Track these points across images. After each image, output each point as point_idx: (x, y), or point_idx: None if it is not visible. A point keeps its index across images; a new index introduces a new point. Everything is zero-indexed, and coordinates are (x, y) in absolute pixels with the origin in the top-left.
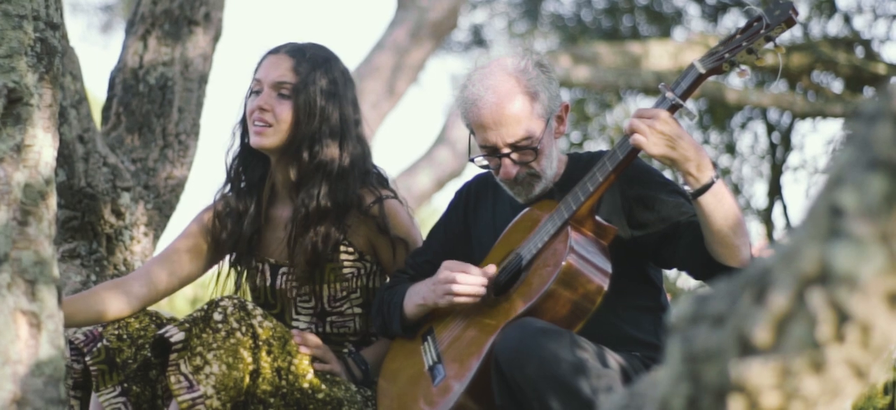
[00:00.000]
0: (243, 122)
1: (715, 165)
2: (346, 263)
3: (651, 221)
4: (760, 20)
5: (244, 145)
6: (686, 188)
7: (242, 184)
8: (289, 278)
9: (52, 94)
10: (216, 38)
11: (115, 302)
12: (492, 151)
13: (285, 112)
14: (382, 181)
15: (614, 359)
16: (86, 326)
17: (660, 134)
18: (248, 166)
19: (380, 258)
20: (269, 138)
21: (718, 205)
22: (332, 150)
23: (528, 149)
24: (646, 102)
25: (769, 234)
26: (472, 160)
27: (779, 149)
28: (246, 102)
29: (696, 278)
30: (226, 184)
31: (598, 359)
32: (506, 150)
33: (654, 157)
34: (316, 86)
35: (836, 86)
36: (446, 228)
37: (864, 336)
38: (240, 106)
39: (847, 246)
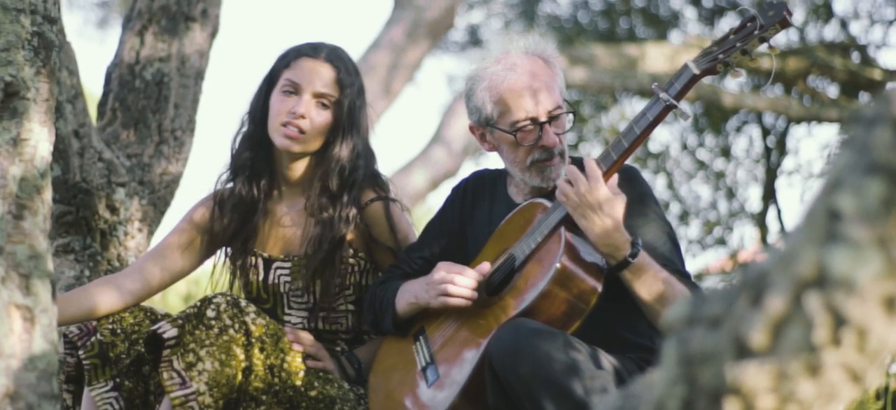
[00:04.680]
0: (254, 112)
1: (634, 243)
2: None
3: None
4: (754, 21)
5: (255, 135)
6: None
7: (249, 172)
8: (283, 273)
9: (49, 89)
10: (213, 34)
11: (106, 298)
12: (531, 122)
13: (324, 121)
14: (384, 184)
15: (608, 361)
16: (77, 323)
17: (588, 204)
18: (257, 156)
19: (374, 255)
20: (301, 145)
21: (633, 280)
22: (360, 160)
23: (560, 116)
24: (642, 105)
25: (763, 238)
26: (514, 133)
27: (774, 153)
28: (263, 92)
29: None
30: (231, 168)
31: (591, 360)
32: (545, 118)
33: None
34: (354, 99)
35: (832, 90)
36: (442, 224)
37: (861, 340)
38: (253, 94)
39: (845, 250)
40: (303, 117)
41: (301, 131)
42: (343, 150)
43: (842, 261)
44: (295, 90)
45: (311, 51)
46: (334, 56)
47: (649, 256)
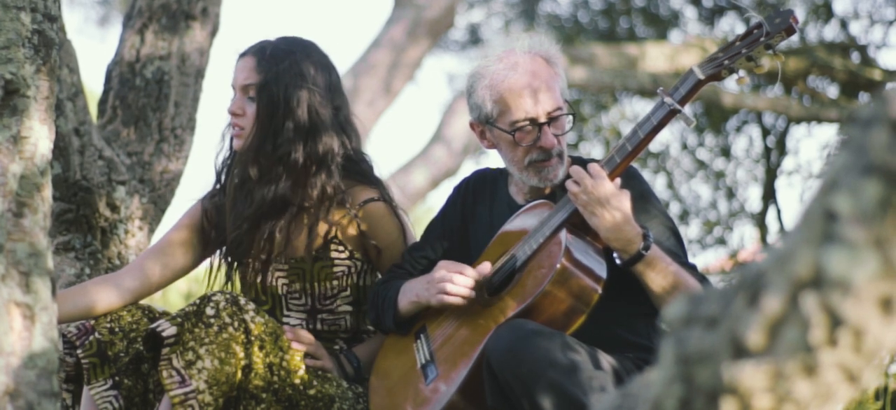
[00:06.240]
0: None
1: (646, 235)
2: (336, 261)
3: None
4: (760, 27)
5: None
6: (615, 258)
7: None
8: (281, 275)
9: (49, 86)
10: (213, 32)
11: (104, 296)
12: (530, 123)
13: (253, 113)
14: (375, 180)
15: (606, 361)
16: (76, 321)
17: (596, 200)
18: None
19: (371, 256)
20: (243, 141)
21: (647, 272)
22: (296, 144)
23: (559, 117)
24: (642, 105)
25: (763, 238)
26: (512, 133)
27: (773, 153)
28: None
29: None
30: (216, 184)
31: (590, 361)
32: (544, 119)
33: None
34: (278, 83)
35: (832, 91)
36: (444, 224)
37: (857, 340)
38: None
39: (841, 251)
40: (236, 114)
41: (241, 128)
42: (270, 135)
43: (838, 262)
44: (233, 93)
45: (243, 51)
46: (258, 48)
47: (659, 249)
